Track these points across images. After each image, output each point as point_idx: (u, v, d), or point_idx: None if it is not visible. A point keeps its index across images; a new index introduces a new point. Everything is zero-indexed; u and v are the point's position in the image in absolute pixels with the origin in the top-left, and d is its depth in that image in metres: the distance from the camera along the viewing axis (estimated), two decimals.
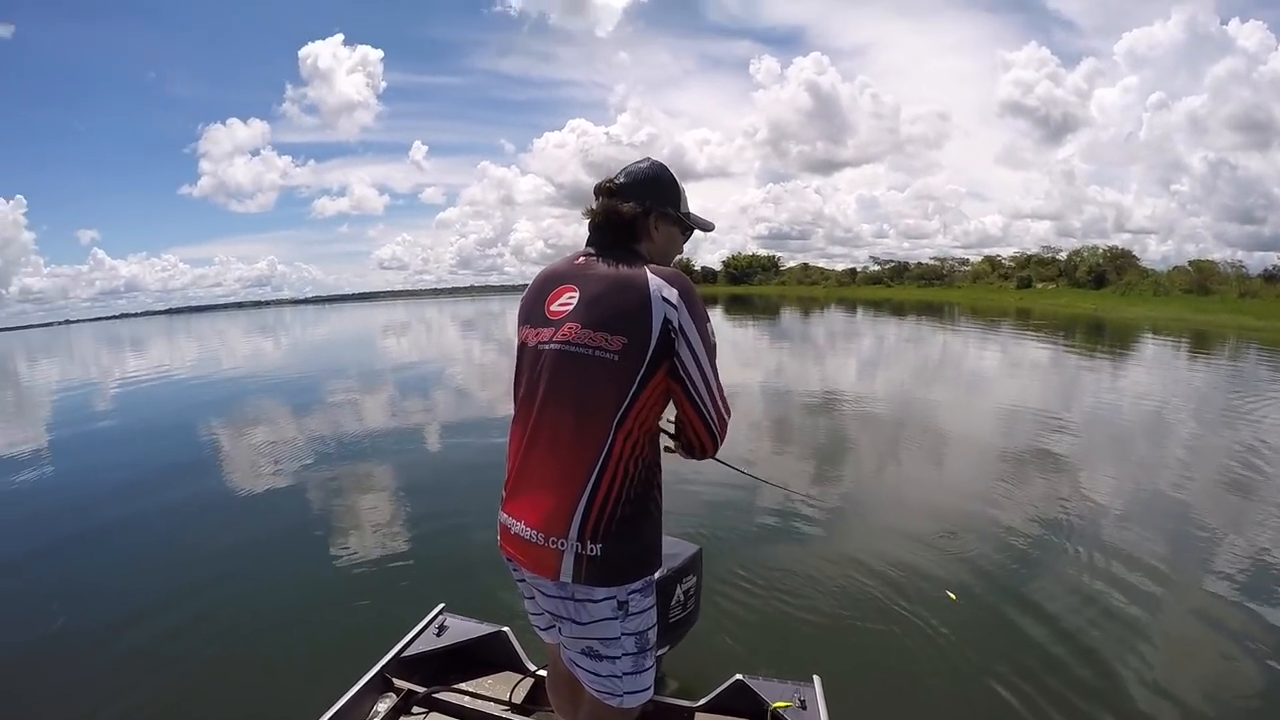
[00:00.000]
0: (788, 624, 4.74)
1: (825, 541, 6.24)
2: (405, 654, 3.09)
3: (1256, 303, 43.34)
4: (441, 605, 3.45)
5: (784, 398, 14.46)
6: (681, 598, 2.86)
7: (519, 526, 1.87)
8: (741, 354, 23.14)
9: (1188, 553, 5.91)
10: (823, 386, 16.01)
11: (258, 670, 4.24)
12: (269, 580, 5.76)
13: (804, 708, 2.73)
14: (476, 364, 24.59)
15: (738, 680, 2.90)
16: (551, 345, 1.87)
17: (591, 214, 2.02)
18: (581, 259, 1.97)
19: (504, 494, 1.96)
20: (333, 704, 2.68)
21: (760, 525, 6.73)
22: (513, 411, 2.01)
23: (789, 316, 46.44)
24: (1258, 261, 56.95)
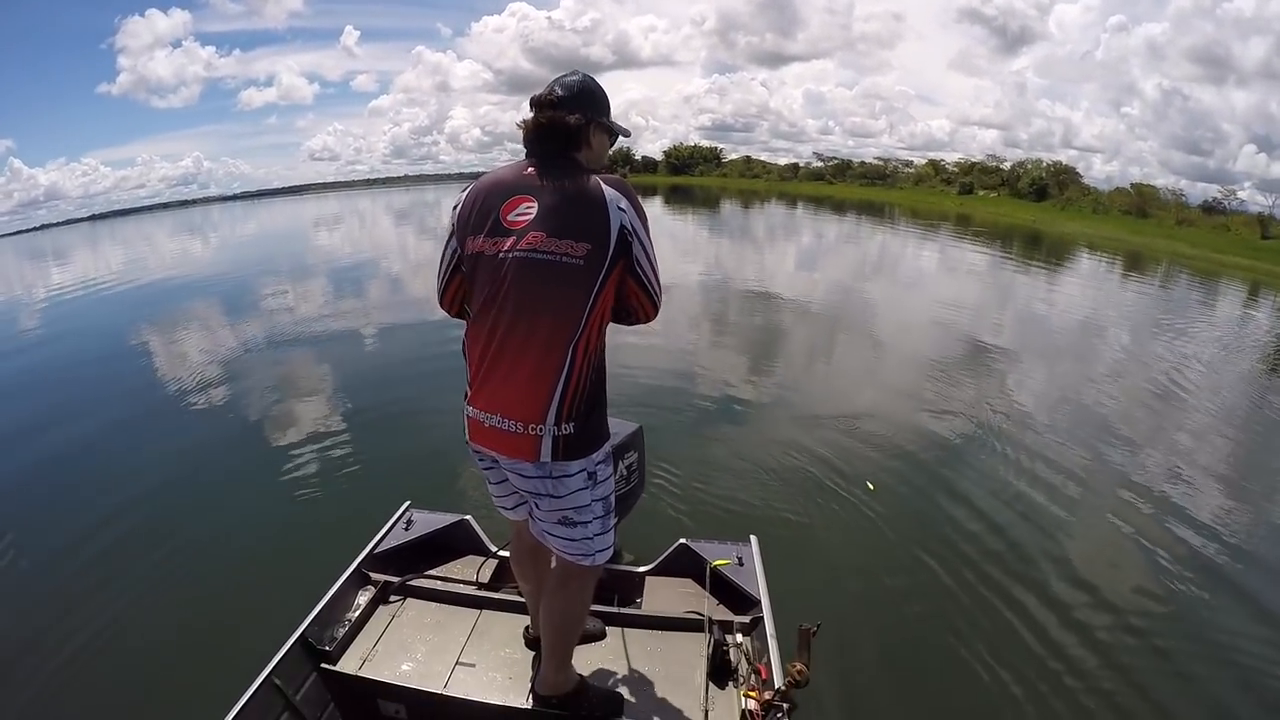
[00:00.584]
0: (726, 494, 5.15)
1: (760, 424, 6.66)
2: (378, 550, 3.33)
3: (1192, 230, 44.06)
4: (408, 503, 3.69)
5: (720, 291, 14.70)
6: (625, 472, 3.10)
7: (495, 419, 2.07)
8: (680, 246, 23.20)
9: (1105, 458, 6.30)
10: (759, 281, 16.24)
11: (243, 573, 4.53)
12: (236, 489, 5.90)
13: (741, 564, 3.02)
14: (411, 257, 24.61)
15: (681, 544, 3.19)
16: (515, 253, 2.03)
17: (534, 124, 2.14)
18: (530, 169, 2.11)
19: (469, 391, 2.15)
20: (318, 600, 2.94)
21: (698, 408, 7.15)
22: (468, 310, 2.18)
23: (729, 209, 46.72)
24: (1199, 192, 57.04)
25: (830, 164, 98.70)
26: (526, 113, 2.17)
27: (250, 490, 5.87)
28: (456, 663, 2.75)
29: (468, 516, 3.50)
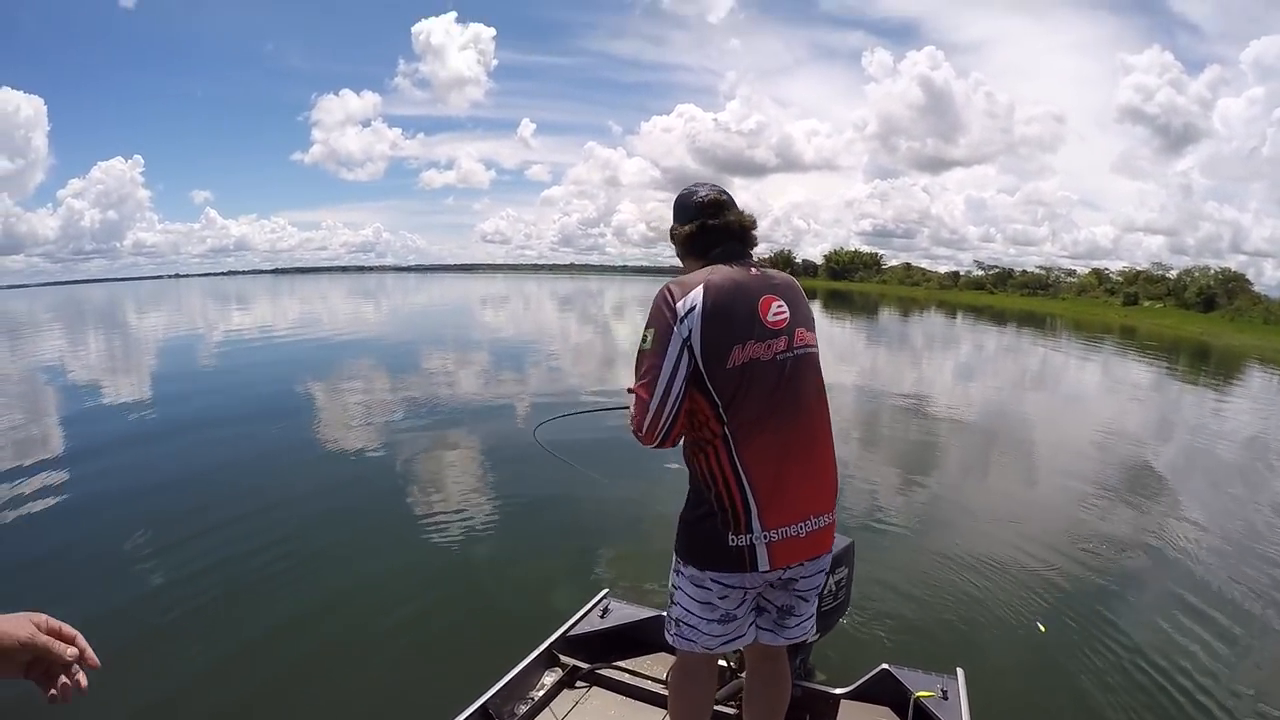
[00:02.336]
0: (931, 618, 4.82)
1: (958, 543, 6.18)
2: (571, 633, 3.30)
3: None
4: (605, 590, 3.66)
5: (882, 400, 13.86)
6: (834, 588, 2.88)
7: (811, 523, 2.04)
8: (838, 351, 22.26)
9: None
10: (918, 390, 15.49)
11: (430, 646, 4.51)
12: (426, 547, 5.99)
13: (945, 698, 2.80)
14: (607, 347, 24.47)
15: (884, 669, 2.97)
16: (793, 353, 2.03)
17: (737, 224, 2.18)
18: (754, 270, 2.11)
19: (756, 514, 1.98)
20: (503, 675, 2.92)
21: (895, 521, 6.78)
22: (729, 431, 1.99)
23: (887, 316, 45.66)
24: None
25: (991, 273, 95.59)
26: (673, 219, 2.26)
27: (441, 552, 5.96)
28: None
29: (664, 613, 3.04)
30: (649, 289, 79.38)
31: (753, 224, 2.20)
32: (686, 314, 1.95)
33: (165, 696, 3.87)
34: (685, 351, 1.95)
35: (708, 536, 2.02)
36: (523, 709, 2.86)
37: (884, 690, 2.96)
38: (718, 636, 2.15)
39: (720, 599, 2.09)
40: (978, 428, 11.90)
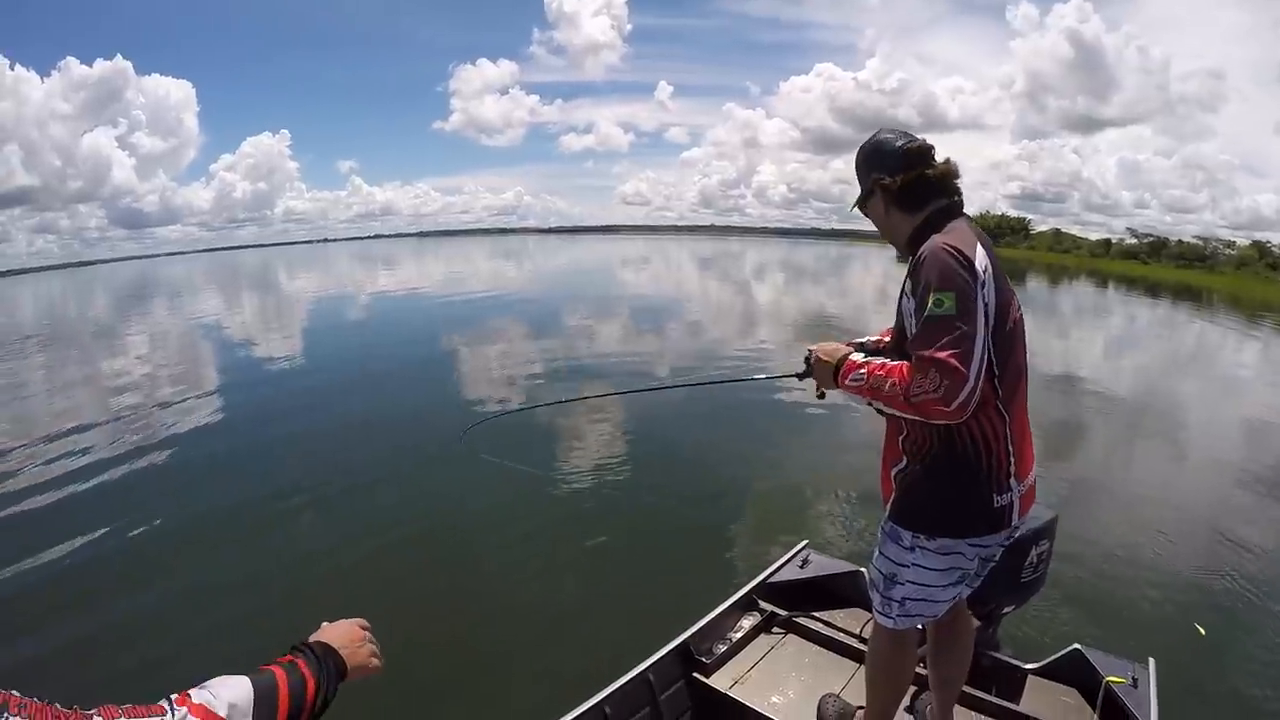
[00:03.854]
0: (1122, 601, 4.71)
1: (1146, 528, 5.89)
2: (771, 580, 3.37)
3: None
4: (805, 541, 3.66)
5: (1045, 377, 12.59)
6: (1034, 560, 2.75)
7: (1032, 476, 2.02)
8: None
9: None
10: (1080, 366, 14.22)
11: (634, 584, 4.81)
12: (644, 503, 6.24)
13: (1135, 685, 2.70)
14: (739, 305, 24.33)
15: (1075, 649, 2.86)
16: (1022, 311, 1.98)
17: (954, 171, 2.02)
18: (977, 226, 1.99)
19: (1012, 472, 1.96)
20: (702, 614, 3.04)
21: (1106, 497, 6.62)
22: (1001, 391, 1.91)
23: (1035, 285, 42.84)
24: None
25: (1145, 241, 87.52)
26: (870, 169, 2.05)
27: (651, 497, 6.29)
28: None
29: (863, 569, 3.23)
30: (790, 251, 79.11)
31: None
32: (984, 274, 1.83)
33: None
34: (984, 314, 1.81)
35: (970, 503, 1.95)
36: (721, 649, 2.98)
37: (1073, 670, 2.90)
38: (947, 602, 2.13)
39: (968, 563, 2.05)
40: (1156, 410, 11.08)
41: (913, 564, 2.04)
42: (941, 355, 1.73)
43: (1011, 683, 2.90)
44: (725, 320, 18.70)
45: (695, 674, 2.88)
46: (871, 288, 31.35)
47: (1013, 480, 1.95)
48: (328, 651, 1.07)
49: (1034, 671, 2.92)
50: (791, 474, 6.83)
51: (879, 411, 1.96)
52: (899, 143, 2.00)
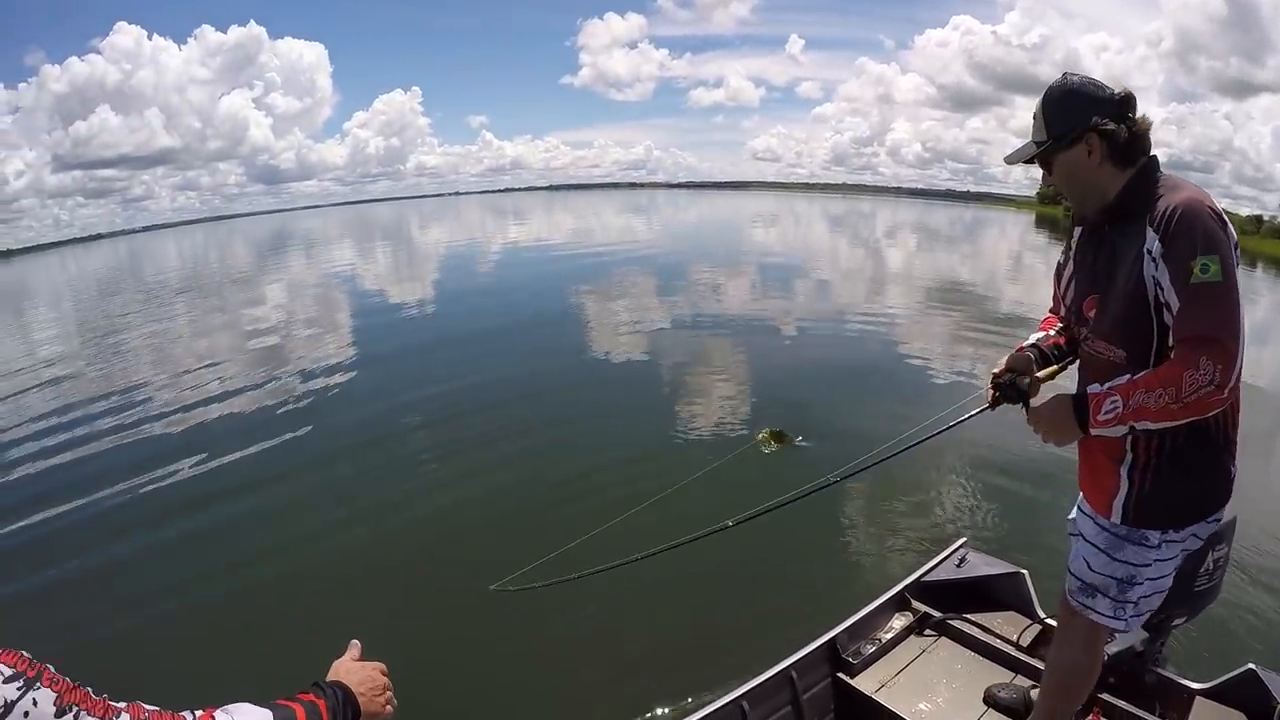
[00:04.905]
0: None
1: None
2: (925, 579, 3.21)
3: None
4: (964, 539, 3.51)
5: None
6: (1211, 565, 2.41)
7: None
8: None
9: None
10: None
11: (780, 577, 4.62)
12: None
13: None
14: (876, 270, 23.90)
15: (1249, 670, 2.61)
16: None
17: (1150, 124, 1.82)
18: None
19: (1236, 433, 1.81)
20: (852, 611, 2.93)
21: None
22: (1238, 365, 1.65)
23: None
24: None
25: None
26: (1084, 111, 1.79)
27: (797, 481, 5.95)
28: None
29: (1024, 571, 3.17)
30: (924, 213, 75.58)
31: None
32: (1234, 236, 1.65)
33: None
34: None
35: (1218, 479, 1.83)
36: (869, 649, 2.86)
37: (1245, 693, 2.64)
38: (1170, 588, 2.02)
39: (1198, 542, 1.94)
40: None
41: (1155, 560, 1.90)
42: (1217, 335, 1.58)
43: (1177, 704, 2.70)
44: (854, 284, 18.40)
45: (840, 674, 2.79)
46: (1006, 254, 30.44)
47: (1235, 445, 1.83)
48: (347, 697, 1.09)
49: (1202, 692, 2.69)
50: (948, 465, 6.45)
51: (1133, 433, 1.70)
52: (1106, 90, 1.79)
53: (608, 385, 9.04)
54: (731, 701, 2.48)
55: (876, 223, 51.75)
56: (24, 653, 0.75)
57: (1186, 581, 2.17)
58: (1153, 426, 1.63)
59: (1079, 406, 1.71)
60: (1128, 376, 1.65)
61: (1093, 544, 1.96)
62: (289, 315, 15.54)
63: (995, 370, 2.05)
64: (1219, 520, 1.88)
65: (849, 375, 9.20)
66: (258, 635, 4.30)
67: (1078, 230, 1.99)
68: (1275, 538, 4.99)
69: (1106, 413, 1.65)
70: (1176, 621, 2.49)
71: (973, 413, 2.18)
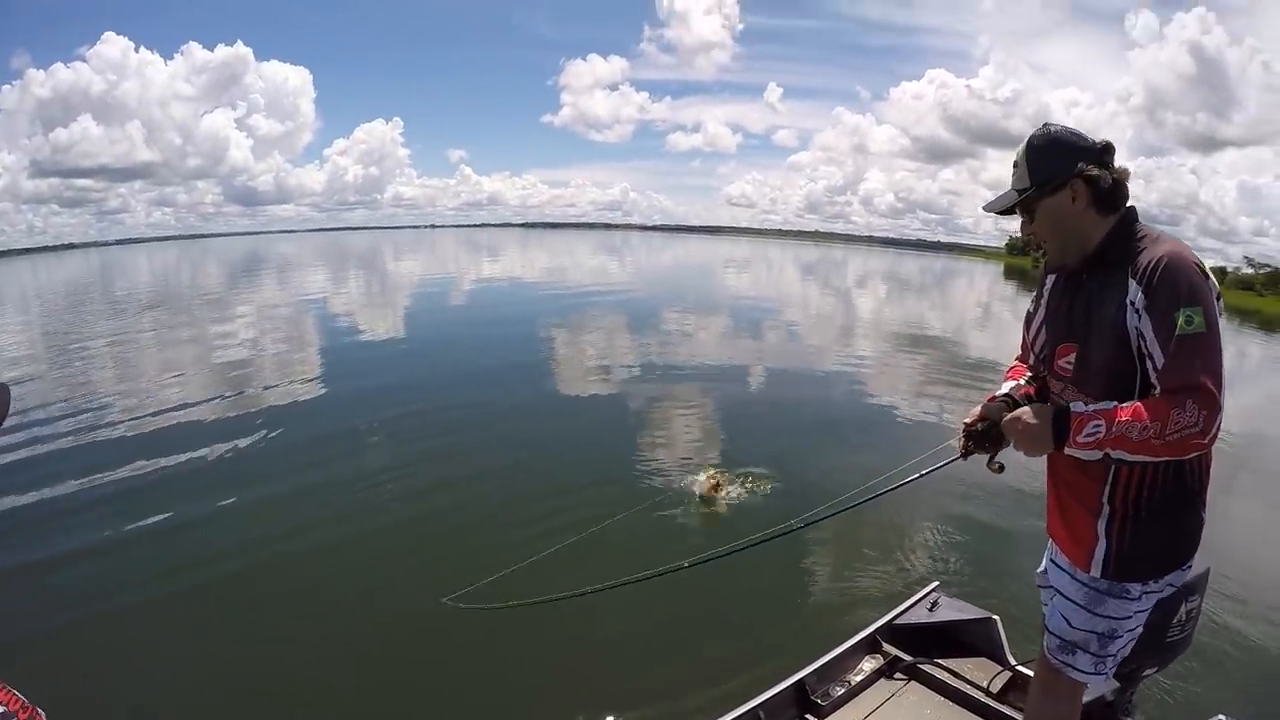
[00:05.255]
0: (1274, 672, 4.31)
1: None
2: (896, 622, 3.16)
3: None
4: (936, 583, 3.46)
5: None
6: (1184, 616, 2.38)
7: None
8: None
9: None
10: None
11: (754, 614, 4.62)
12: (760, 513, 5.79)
13: None
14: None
15: None
16: None
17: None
18: None
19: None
20: (826, 652, 2.88)
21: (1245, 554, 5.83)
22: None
23: None
24: None
25: (1262, 272, 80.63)
26: (1065, 159, 1.78)
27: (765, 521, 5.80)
28: None
29: (995, 617, 3.13)
30: (896, 263, 76.96)
31: None
32: (1219, 290, 1.68)
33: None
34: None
35: (1194, 528, 1.83)
36: (838, 691, 2.82)
37: None
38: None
39: (1171, 588, 1.93)
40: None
41: (1136, 613, 1.89)
42: (1202, 382, 1.58)
43: None
44: (824, 329, 18.63)
45: (809, 715, 2.74)
46: (974, 303, 30.89)
47: (1206, 492, 1.85)
48: None
49: None
50: (921, 509, 6.39)
51: (1107, 460, 1.68)
52: (1086, 139, 1.80)
53: (568, 418, 9.14)
54: None
55: (848, 270, 52.72)
56: (16, 692, 0.76)
57: (1159, 632, 2.14)
58: (1128, 458, 1.63)
59: (1059, 422, 1.69)
60: (1113, 403, 1.63)
61: (1072, 600, 1.93)
62: (256, 335, 15.48)
63: (968, 420, 2.01)
64: (1189, 567, 1.87)
65: (818, 420, 9.24)
66: (206, 639, 4.28)
67: (1050, 278, 1.98)
68: (1245, 588, 5.01)
69: (1087, 435, 1.63)
70: (1147, 672, 2.46)
71: (943, 463, 2.15)
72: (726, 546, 2.72)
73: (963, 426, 2.02)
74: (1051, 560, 2.05)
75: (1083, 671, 1.95)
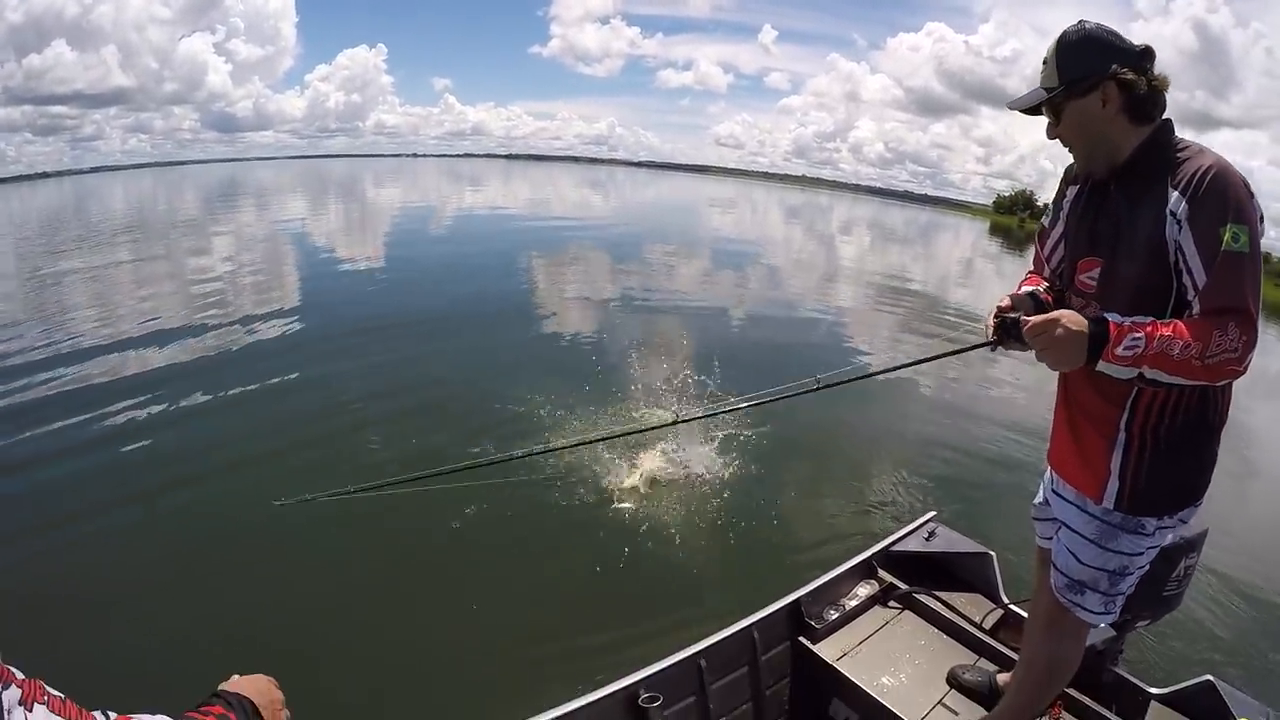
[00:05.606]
0: (1271, 638, 4.27)
1: None
2: (893, 549, 3.15)
3: None
4: (933, 513, 3.41)
5: None
6: (1182, 572, 2.36)
7: None
8: None
9: None
10: None
11: (749, 531, 4.60)
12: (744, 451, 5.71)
13: None
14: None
15: (1208, 681, 2.58)
16: None
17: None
18: None
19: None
20: (817, 573, 2.88)
21: (1245, 520, 5.90)
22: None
23: None
24: None
25: None
26: (1101, 58, 1.62)
27: (770, 442, 5.88)
28: (939, 703, 2.50)
29: (991, 552, 3.09)
30: (880, 211, 76.73)
31: None
32: (1262, 213, 1.55)
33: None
34: None
35: (1211, 460, 1.73)
36: (832, 614, 2.81)
37: (1203, 704, 2.63)
38: None
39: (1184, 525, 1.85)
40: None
41: (1148, 549, 1.81)
42: (1246, 305, 1.48)
43: (1133, 705, 2.67)
44: (805, 275, 18.36)
45: (801, 638, 2.72)
46: (957, 259, 30.69)
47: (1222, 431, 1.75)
48: (253, 709, 1.06)
49: (1159, 698, 2.68)
50: (921, 437, 6.48)
51: (1139, 381, 1.57)
52: (1125, 40, 1.65)
53: (521, 346, 8.84)
54: (688, 657, 2.39)
55: (833, 216, 52.53)
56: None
57: (1157, 585, 2.13)
58: (1163, 379, 1.50)
59: (1095, 334, 1.51)
60: (1150, 318, 1.49)
61: (1080, 534, 1.83)
62: (227, 261, 15.19)
63: (1000, 304, 1.83)
64: (1200, 504, 1.76)
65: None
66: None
67: (1071, 189, 1.84)
68: (1240, 553, 5.01)
69: (1126, 348, 1.49)
70: (1141, 623, 2.44)
71: (974, 344, 1.96)
72: (739, 400, 2.61)
73: (995, 310, 1.81)
74: (1054, 492, 1.94)
75: (1091, 611, 1.88)
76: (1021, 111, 1.77)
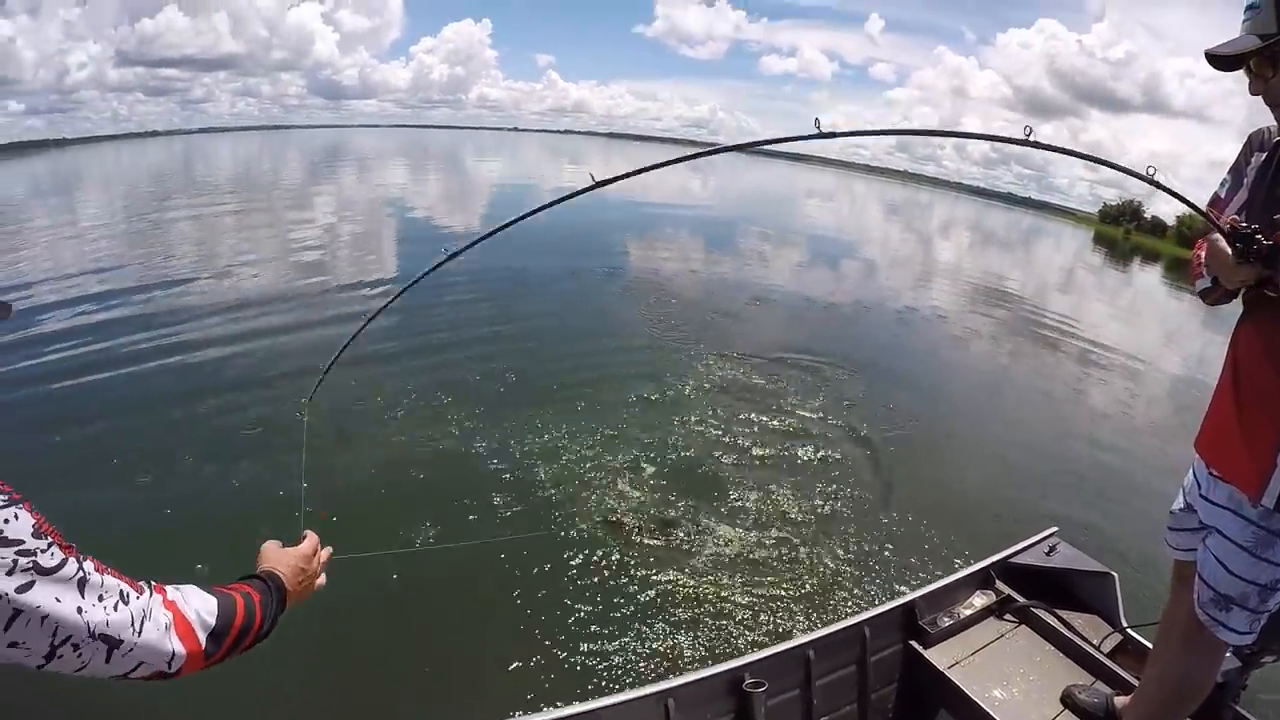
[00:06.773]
0: None
1: None
2: (1012, 561, 3.03)
3: None
4: (1055, 529, 3.29)
5: None
6: None
7: None
8: (1169, 330, 17.99)
9: None
10: None
11: (866, 530, 4.62)
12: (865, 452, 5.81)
13: None
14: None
15: None
16: None
17: None
18: None
19: None
20: (934, 581, 2.82)
21: None
22: None
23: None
24: None
25: None
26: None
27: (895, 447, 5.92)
28: None
29: (1114, 574, 2.98)
30: (982, 213, 73.31)
31: None
32: None
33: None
34: None
35: None
36: (946, 622, 2.70)
37: None
38: None
39: None
40: None
41: None
42: None
43: None
44: (901, 273, 18.13)
45: (913, 642, 2.63)
46: (1058, 269, 29.77)
47: None
48: (279, 586, 1.14)
49: None
50: (1039, 449, 6.33)
51: None
52: None
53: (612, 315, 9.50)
54: (797, 646, 2.36)
55: (933, 215, 51.21)
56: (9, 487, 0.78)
57: None
58: None
59: None
60: None
61: (1233, 542, 1.64)
62: (326, 221, 16.31)
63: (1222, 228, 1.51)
64: None
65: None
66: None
67: (1257, 156, 1.66)
68: None
69: None
70: (1267, 659, 2.15)
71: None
72: None
73: (1230, 221, 1.52)
74: (1202, 496, 1.75)
75: (1235, 631, 1.70)
76: (1217, 67, 1.60)
